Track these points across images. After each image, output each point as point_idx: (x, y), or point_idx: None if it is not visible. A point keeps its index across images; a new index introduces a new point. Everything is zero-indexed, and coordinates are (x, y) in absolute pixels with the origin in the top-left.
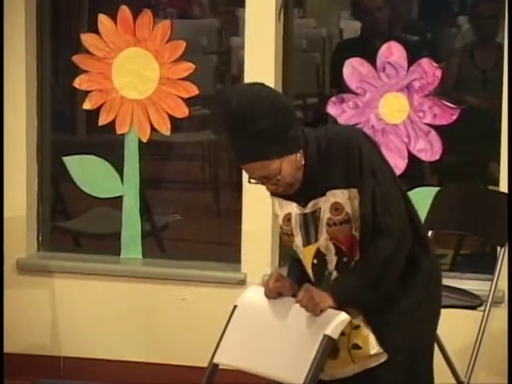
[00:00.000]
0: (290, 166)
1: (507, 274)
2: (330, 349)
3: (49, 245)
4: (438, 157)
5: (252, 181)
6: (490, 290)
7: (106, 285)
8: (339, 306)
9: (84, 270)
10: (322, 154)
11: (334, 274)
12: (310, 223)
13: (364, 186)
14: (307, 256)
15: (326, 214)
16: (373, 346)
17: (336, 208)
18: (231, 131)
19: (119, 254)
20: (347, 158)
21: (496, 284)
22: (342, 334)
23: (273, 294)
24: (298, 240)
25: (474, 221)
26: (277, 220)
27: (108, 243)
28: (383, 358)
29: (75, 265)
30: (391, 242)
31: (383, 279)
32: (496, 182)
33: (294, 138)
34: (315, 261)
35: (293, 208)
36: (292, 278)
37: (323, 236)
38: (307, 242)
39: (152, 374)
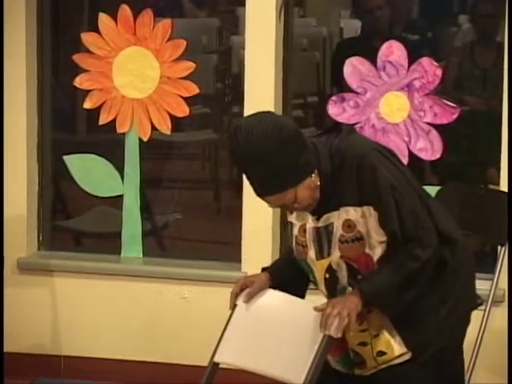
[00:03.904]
0: (305, 190)
1: (507, 273)
2: (357, 362)
3: (49, 244)
4: (438, 156)
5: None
6: (491, 289)
7: (106, 284)
8: (366, 306)
9: (84, 269)
10: (335, 169)
11: (350, 290)
12: (323, 237)
13: (385, 203)
14: (320, 269)
15: (339, 231)
16: (397, 348)
17: (348, 225)
18: (242, 169)
19: (120, 253)
20: (359, 176)
21: (496, 283)
22: (365, 344)
23: (233, 299)
24: (312, 253)
25: (474, 220)
26: (291, 229)
27: (108, 242)
28: (408, 356)
29: (76, 264)
30: (426, 253)
31: (411, 286)
32: (496, 181)
33: (305, 165)
34: (327, 275)
35: (308, 220)
36: (272, 271)
37: (335, 252)
38: (320, 255)
39: (152, 373)
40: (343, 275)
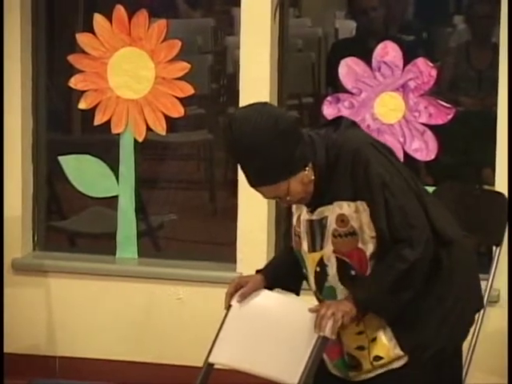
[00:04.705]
0: (298, 184)
1: (507, 273)
2: (353, 365)
3: (44, 244)
4: (433, 156)
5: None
6: (486, 289)
7: (101, 284)
8: (361, 313)
9: (79, 269)
10: (330, 163)
11: (340, 287)
12: (316, 230)
13: (375, 200)
14: (311, 262)
15: (332, 225)
16: (393, 352)
17: (342, 220)
18: (236, 160)
19: (114, 254)
20: (353, 171)
21: (491, 284)
22: (362, 348)
23: (228, 299)
24: (305, 245)
25: (469, 220)
26: (291, 218)
27: (103, 243)
28: (405, 359)
29: (70, 264)
30: (414, 253)
31: (405, 287)
32: (491, 182)
33: (299, 158)
34: (318, 269)
35: (303, 211)
36: (266, 272)
37: (328, 246)
38: (312, 248)
39: (147, 374)
40: (333, 272)
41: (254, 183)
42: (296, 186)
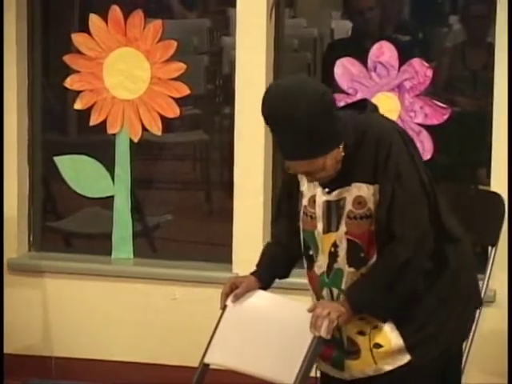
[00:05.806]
0: (332, 160)
1: (507, 273)
2: (351, 351)
3: (40, 245)
4: (429, 156)
5: (290, 170)
6: (482, 289)
7: (97, 285)
8: (356, 313)
9: (75, 270)
10: (356, 144)
11: (347, 269)
12: (332, 211)
13: (384, 186)
14: (326, 243)
15: (348, 207)
16: (395, 341)
17: (359, 202)
18: (275, 131)
19: (110, 254)
20: (376, 153)
21: (487, 284)
22: (363, 334)
23: (224, 299)
24: (320, 226)
25: (464, 221)
26: (301, 199)
27: (99, 243)
28: (407, 358)
29: (66, 265)
30: (406, 249)
31: (399, 285)
32: (487, 182)
33: (337, 134)
34: (333, 249)
35: (317, 192)
36: (259, 274)
37: (342, 227)
38: (328, 229)
39: (143, 374)
40: (343, 254)
41: (291, 157)
42: (331, 163)
